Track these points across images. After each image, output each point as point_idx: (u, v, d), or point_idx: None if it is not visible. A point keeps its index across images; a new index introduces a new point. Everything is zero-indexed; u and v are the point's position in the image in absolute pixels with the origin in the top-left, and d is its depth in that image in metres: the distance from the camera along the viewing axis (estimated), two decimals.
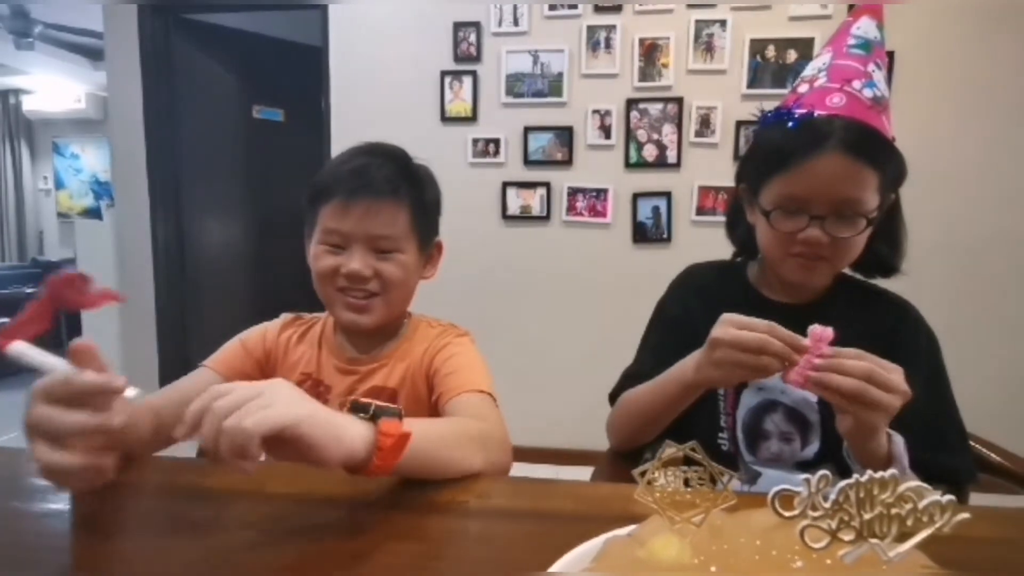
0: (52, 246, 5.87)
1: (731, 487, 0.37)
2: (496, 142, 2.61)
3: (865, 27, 0.80)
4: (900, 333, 0.85)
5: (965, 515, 0.30)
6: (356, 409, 0.53)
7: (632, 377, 0.92)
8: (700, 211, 2.51)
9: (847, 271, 0.89)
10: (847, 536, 0.31)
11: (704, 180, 2.50)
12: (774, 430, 0.84)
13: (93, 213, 5.20)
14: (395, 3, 2.61)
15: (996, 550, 0.53)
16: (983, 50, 2.32)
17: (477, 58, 2.59)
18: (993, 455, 0.94)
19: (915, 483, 0.31)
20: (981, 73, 2.33)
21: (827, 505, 0.31)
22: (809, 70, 0.82)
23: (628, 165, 2.54)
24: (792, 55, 2.39)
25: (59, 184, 5.83)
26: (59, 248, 5.74)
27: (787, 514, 0.32)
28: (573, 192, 2.59)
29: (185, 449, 0.67)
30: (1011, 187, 2.36)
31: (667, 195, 2.53)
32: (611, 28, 2.48)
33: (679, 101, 2.47)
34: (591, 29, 2.50)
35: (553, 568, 0.41)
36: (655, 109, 2.50)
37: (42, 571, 0.49)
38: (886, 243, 0.86)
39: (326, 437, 0.48)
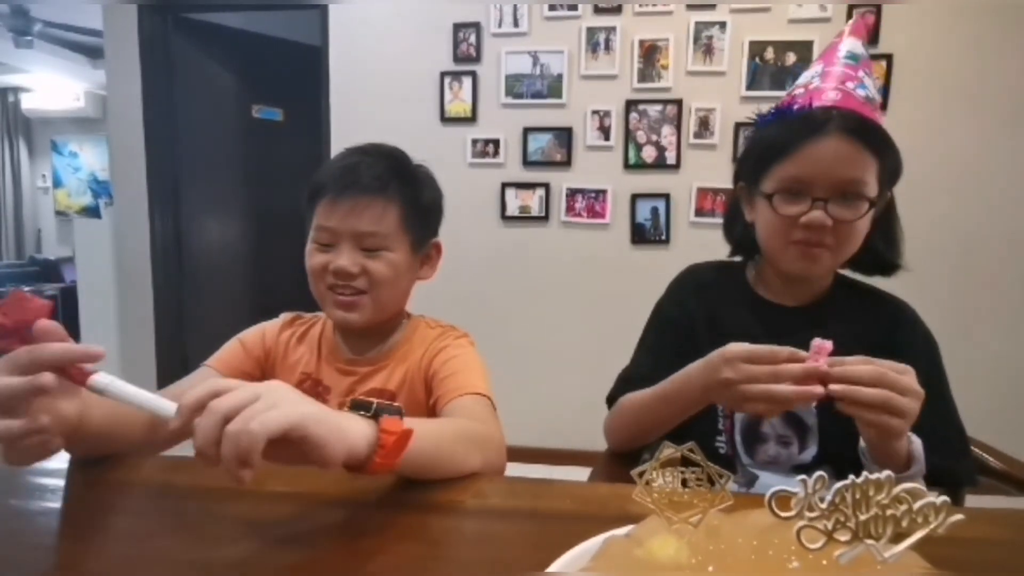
0: (50, 244, 5.87)
1: (728, 488, 0.37)
2: (495, 143, 2.61)
3: (851, 44, 0.84)
4: (898, 335, 0.85)
5: (959, 516, 0.31)
6: (357, 407, 0.53)
7: (629, 379, 0.92)
8: (699, 212, 2.52)
9: (846, 272, 0.90)
10: (843, 537, 0.31)
11: (703, 181, 2.50)
12: (771, 433, 0.84)
13: (91, 211, 5.18)
14: (395, 3, 2.61)
15: (990, 551, 0.53)
16: (981, 51, 2.33)
17: (477, 59, 2.59)
18: (992, 460, 0.95)
19: (910, 484, 0.31)
20: (979, 74, 2.34)
21: (823, 506, 0.31)
22: (803, 79, 0.85)
23: (627, 166, 2.55)
24: (791, 57, 2.40)
25: (57, 182, 5.83)
26: (57, 246, 5.73)
27: (784, 515, 0.32)
28: (572, 193, 2.59)
29: (185, 449, 0.67)
30: (1009, 188, 2.37)
31: (666, 196, 2.53)
32: (611, 29, 2.49)
33: (678, 103, 2.48)
34: (591, 30, 2.50)
35: (551, 568, 0.41)
36: (654, 110, 2.50)
37: (41, 570, 0.49)
38: (883, 240, 0.86)
39: (331, 435, 0.48)
